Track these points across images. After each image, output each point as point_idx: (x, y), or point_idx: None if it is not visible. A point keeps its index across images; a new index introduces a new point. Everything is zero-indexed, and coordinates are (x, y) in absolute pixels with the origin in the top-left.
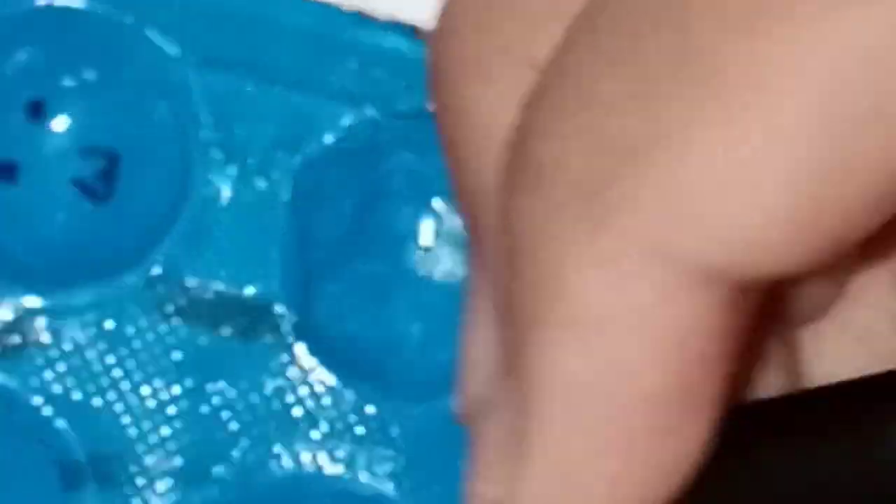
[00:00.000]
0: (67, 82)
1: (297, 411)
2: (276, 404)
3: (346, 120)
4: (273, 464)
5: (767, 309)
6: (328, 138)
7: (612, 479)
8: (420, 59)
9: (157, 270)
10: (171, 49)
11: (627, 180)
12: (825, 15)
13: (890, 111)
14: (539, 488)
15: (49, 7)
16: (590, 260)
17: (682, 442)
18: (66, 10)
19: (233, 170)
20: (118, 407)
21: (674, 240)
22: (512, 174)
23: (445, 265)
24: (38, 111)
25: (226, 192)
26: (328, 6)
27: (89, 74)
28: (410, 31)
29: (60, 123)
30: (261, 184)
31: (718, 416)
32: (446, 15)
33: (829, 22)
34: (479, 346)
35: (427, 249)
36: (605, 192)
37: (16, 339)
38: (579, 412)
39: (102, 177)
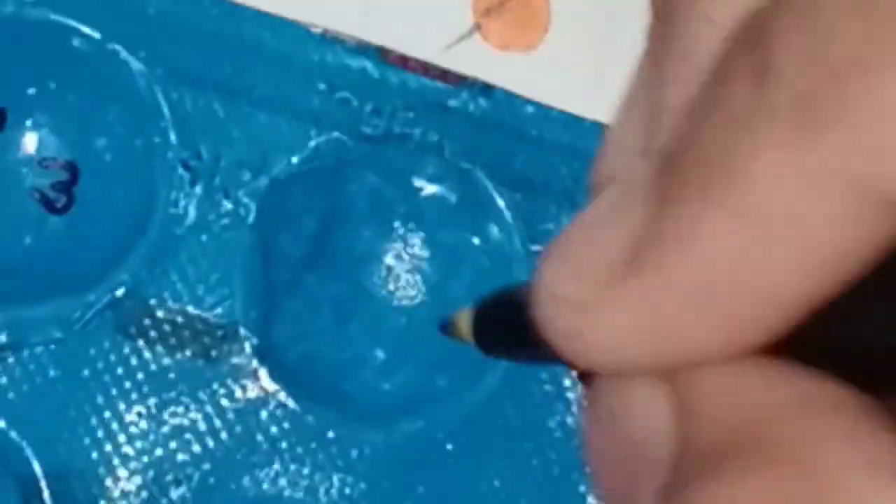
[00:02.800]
0: (30, 92)
1: (258, 435)
2: (237, 428)
3: (312, 141)
4: (233, 486)
5: None
6: (294, 159)
7: (699, 330)
8: (386, 81)
9: (120, 291)
10: (137, 65)
11: (842, 101)
12: None
13: None
14: (642, 304)
15: (14, 17)
16: (789, 167)
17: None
18: (32, 22)
19: (198, 189)
20: (79, 427)
21: (872, 168)
22: (739, 59)
23: (406, 288)
24: (0, 120)
25: (191, 212)
26: (297, 26)
27: (52, 85)
28: (377, 54)
29: (21, 133)
30: (226, 204)
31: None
32: None
33: None
34: (617, 142)
35: (388, 271)
36: (821, 108)
37: None
38: (713, 271)
39: (62, 188)
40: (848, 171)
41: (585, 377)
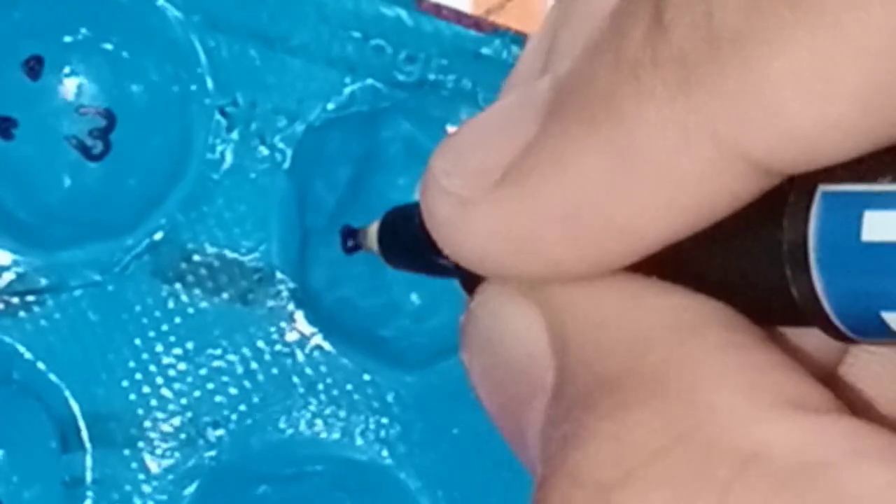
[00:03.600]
0: (66, 40)
1: (294, 378)
2: (274, 370)
3: (347, 88)
4: (270, 429)
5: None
6: (329, 106)
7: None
8: (420, 29)
9: (158, 235)
10: (173, 12)
11: (719, 67)
12: None
13: None
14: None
15: None
16: (665, 119)
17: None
18: None
19: (235, 135)
20: (117, 369)
21: (738, 134)
22: (636, 7)
23: None
24: (37, 68)
25: (228, 157)
26: None
27: (88, 33)
28: (411, 2)
29: (58, 81)
30: (262, 149)
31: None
32: None
33: None
34: (529, 60)
35: None
36: (700, 71)
37: (16, 297)
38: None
39: (99, 135)
40: (717, 132)
41: (469, 289)
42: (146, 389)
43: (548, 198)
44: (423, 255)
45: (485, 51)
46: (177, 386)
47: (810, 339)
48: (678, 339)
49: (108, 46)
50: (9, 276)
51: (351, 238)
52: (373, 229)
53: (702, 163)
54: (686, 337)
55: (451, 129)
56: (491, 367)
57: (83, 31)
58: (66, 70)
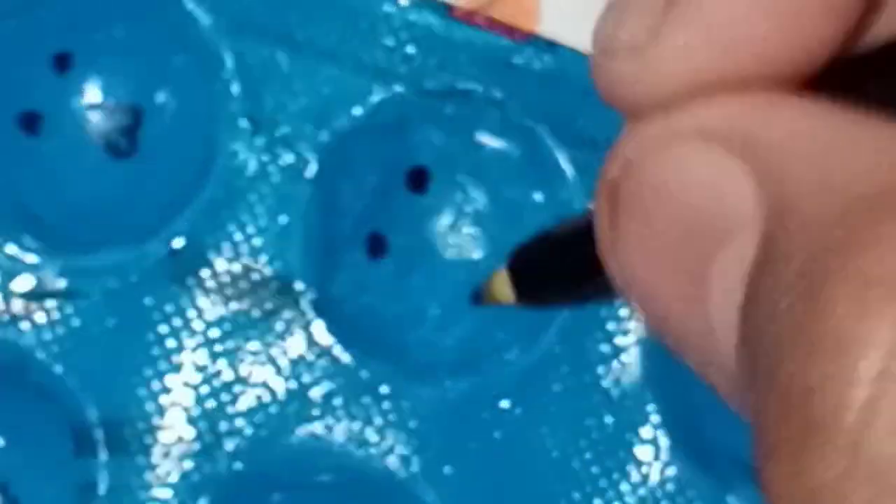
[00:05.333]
0: (96, 37)
1: (312, 388)
2: (291, 380)
3: (376, 96)
4: (285, 439)
5: None
6: (356, 112)
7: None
8: (451, 37)
9: (178, 241)
10: (202, 15)
11: None
12: None
13: None
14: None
15: None
16: None
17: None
18: None
19: (260, 141)
20: (134, 376)
21: None
22: None
23: (466, 243)
24: (65, 64)
25: (251, 164)
26: None
27: (118, 32)
28: (443, 9)
29: (86, 78)
30: (288, 157)
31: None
32: None
33: None
34: None
35: (449, 226)
36: None
37: (34, 301)
38: None
39: (125, 132)
40: None
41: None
42: (162, 398)
43: None
44: (575, 280)
45: (516, 60)
46: (193, 394)
47: None
48: None
49: (136, 46)
50: (29, 279)
51: (475, 299)
52: (497, 279)
53: None
54: None
55: (480, 137)
56: (666, 219)
57: (112, 29)
58: (95, 67)
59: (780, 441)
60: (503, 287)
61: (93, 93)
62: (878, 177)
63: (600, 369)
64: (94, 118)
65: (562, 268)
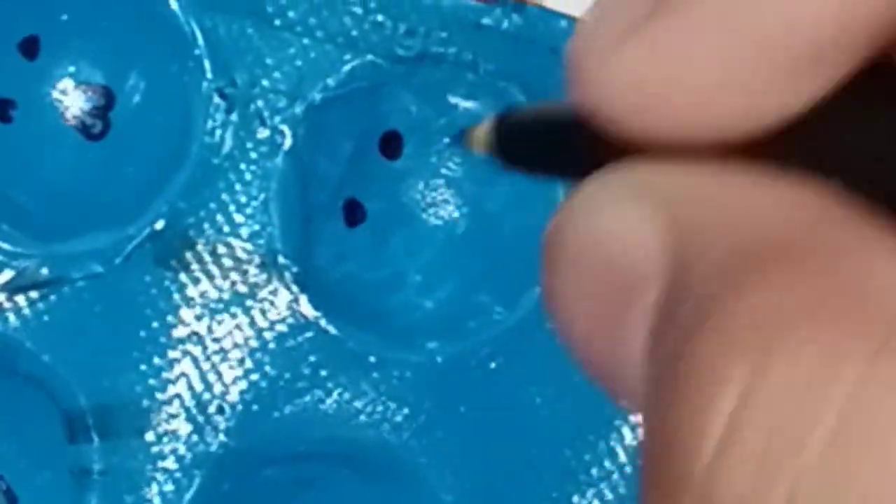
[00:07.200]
0: (63, 18)
1: (300, 362)
2: (279, 355)
3: (347, 65)
4: (276, 413)
5: None
6: (330, 83)
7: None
8: (419, 2)
9: (159, 223)
10: None
11: None
12: None
13: None
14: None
15: None
16: None
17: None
18: None
19: (234, 117)
20: (123, 360)
21: None
22: None
23: (443, 206)
24: (34, 48)
25: (228, 140)
26: None
27: (85, 12)
28: None
29: (55, 60)
30: (263, 131)
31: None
32: None
33: None
34: None
35: (425, 189)
36: None
37: (19, 291)
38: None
39: (98, 114)
40: None
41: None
42: (151, 380)
43: (698, 20)
44: (555, 155)
45: (485, 21)
46: (182, 374)
47: None
48: (815, 212)
49: (105, 26)
50: (10, 271)
51: (455, 140)
52: (482, 129)
53: None
54: (821, 210)
55: (452, 99)
56: (587, 269)
57: (79, 10)
58: (63, 50)
59: (650, 487)
60: (486, 136)
61: (63, 76)
62: (763, 233)
63: None
64: (67, 101)
65: (545, 141)
